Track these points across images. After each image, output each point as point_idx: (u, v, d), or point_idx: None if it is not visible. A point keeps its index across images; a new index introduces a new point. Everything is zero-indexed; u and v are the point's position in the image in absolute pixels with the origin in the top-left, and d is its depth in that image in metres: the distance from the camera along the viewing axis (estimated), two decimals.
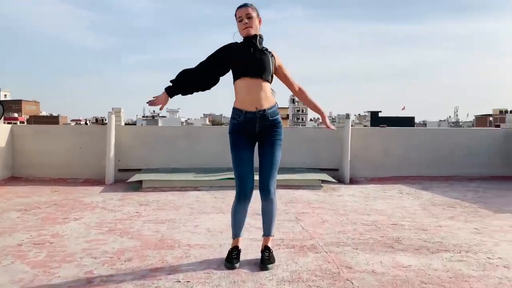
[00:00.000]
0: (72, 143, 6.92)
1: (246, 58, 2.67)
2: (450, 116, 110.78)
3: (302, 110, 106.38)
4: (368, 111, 74.33)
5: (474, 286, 2.52)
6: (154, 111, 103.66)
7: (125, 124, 7.82)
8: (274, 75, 2.83)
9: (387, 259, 2.98)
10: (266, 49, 2.77)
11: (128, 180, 6.21)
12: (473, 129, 8.56)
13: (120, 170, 6.85)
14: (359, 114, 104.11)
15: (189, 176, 6.22)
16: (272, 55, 2.78)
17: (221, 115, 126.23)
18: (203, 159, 7.02)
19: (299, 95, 2.96)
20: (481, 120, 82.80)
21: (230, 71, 2.78)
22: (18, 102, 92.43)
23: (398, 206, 4.92)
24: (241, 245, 2.94)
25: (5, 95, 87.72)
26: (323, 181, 6.39)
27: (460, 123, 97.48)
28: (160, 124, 53.33)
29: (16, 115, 67.40)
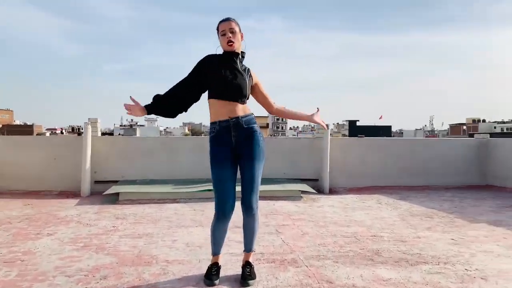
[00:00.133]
0: (46, 154, 6.73)
1: (224, 81, 2.61)
2: (425, 125, 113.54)
3: (282, 119, 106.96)
4: (346, 120, 75.45)
5: None
6: (132, 119, 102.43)
7: (102, 133, 7.66)
8: (250, 93, 2.81)
9: (368, 273, 2.98)
10: (245, 69, 2.75)
11: (105, 193, 6.06)
12: (448, 139, 8.75)
13: (96, 182, 6.69)
14: (338, 123, 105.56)
15: (168, 188, 6.13)
16: (250, 75, 2.76)
17: (200, 123, 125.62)
18: (182, 170, 6.93)
19: (278, 112, 2.94)
20: (455, 128, 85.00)
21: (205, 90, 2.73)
22: None
23: (377, 216, 4.95)
24: (221, 261, 2.89)
25: None
26: (303, 192, 6.39)
27: (436, 132, 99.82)
28: (138, 133, 52.59)
29: None
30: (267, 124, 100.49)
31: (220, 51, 2.73)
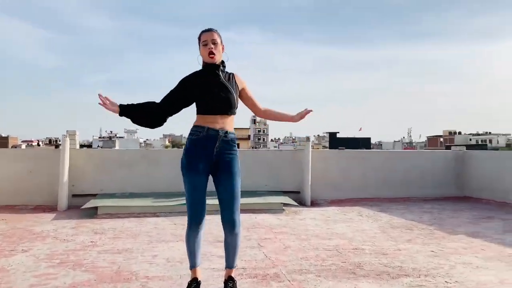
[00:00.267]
0: (22, 167, 6.54)
1: (212, 94, 2.60)
2: (404, 137, 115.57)
3: (263, 131, 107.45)
4: (326, 132, 76.12)
5: None
6: (111, 131, 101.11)
7: (81, 145, 7.52)
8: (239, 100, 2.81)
9: (350, 286, 2.97)
10: (229, 77, 2.74)
11: (83, 207, 5.93)
12: (426, 151, 8.93)
13: (74, 195, 6.54)
14: (318, 135, 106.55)
15: (147, 202, 6.03)
16: (235, 82, 2.75)
17: (181, 135, 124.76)
18: (163, 183, 6.85)
19: (265, 114, 2.93)
20: (432, 140, 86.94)
21: (189, 105, 2.70)
22: None
23: (358, 229, 4.97)
24: (201, 276, 2.81)
25: None
26: (285, 204, 6.39)
27: (414, 144, 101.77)
28: (117, 145, 51.84)
29: None
30: (249, 136, 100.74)
31: (200, 60, 2.73)
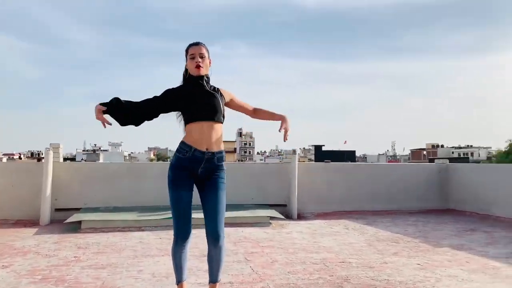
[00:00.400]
0: (3, 180, 6.39)
1: (197, 102, 2.62)
2: (388, 150, 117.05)
3: (250, 144, 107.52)
4: (312, 145, 76.64)
5: None
6: (95, 144, 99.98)
7: (64, 159, 7.41)
8: (229, 107, 2.82)
9: None
10: (215, 88, 2.76)
11: (66, 221, 5.81)
12: (410, 164, 9.06)
13: (57, 209, 6.41)
14: (304, 148, 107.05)
15: (132, 216, 5.95)
16: (221, 94, 2.77)
17: (166, 148, 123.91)
18: (148, 196, 6.76)
19: (256, 114, 2.94)
20: (416, 153, 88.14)
21: (169, 112, 2.70)
22: None
23: (344, 242, 4.98)
24: None
25: None
26: (272, 218, 6.37)
27: (398, 157, 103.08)
28: (101, 158, 51.21)
29: None
30: (235, 149, 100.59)
31: (185, 73, 2.75)
